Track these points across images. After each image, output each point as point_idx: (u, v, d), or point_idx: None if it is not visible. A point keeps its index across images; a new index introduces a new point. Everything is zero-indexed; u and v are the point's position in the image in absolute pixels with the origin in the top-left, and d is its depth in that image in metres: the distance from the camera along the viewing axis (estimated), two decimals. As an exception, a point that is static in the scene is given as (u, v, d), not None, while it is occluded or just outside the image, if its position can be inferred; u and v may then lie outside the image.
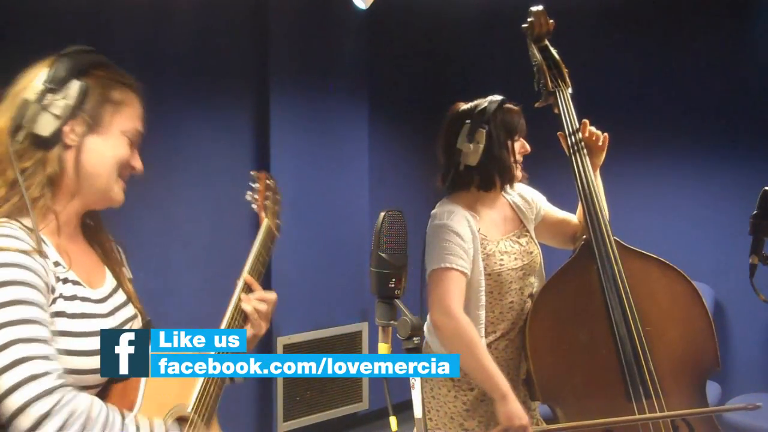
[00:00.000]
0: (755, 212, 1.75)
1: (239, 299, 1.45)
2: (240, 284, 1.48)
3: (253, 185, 1.72)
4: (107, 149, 1.27)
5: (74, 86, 1.23)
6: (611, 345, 2.00)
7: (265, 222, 1.65)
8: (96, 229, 1.37)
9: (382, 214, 1.50)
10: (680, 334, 2.06)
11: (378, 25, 4.08)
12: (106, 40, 3.09)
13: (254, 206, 1.70)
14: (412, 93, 4.54)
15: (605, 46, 3.95)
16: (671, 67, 3.77)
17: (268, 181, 1.73)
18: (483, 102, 2.08)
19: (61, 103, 1.22)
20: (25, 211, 1.19)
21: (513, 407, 1.91)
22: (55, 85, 1.22)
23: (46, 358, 1.08)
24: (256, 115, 3.74)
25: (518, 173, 2.14)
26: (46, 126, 1.21)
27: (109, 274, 1.35)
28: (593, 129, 2.15)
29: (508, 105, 2.10)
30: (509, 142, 2.08)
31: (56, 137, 1.22)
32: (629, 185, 3.83)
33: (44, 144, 1.21)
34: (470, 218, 2.05)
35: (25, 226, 1.18)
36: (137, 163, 1.34)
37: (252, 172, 1.74)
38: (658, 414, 1.94)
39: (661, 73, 3.81)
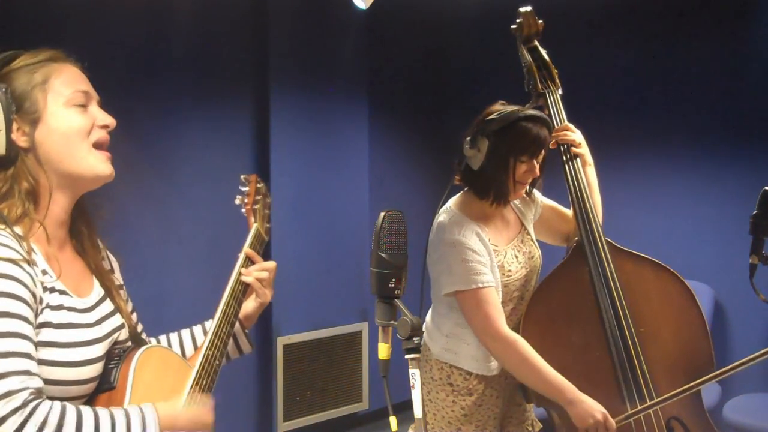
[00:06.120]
0: (755, 212, 1.75)
1: (239, 273, 1.53)
2: (240, 259, 1.55)
3: (243, 189, 1.70)
4: (59, 130, 1.23)
5: None
6: (604, 347, 1.99)
7: (254, 226, 1.64)
8: (88, 237, 1.35)
9: (382, 214, 1.51)
10: (674, 334, 2.05)
11: (378, 25, 4.09)
12: (106, 41, 3.09)
13: (243, 210, 1.68)
14: (412, 93, 4.54)
15: (606, 45, 3.95)
16: (672, 67, 3.77)
17: (258, 185, 1.71)
18: (505, 110, 1.99)
19: None
20: (15, 220, 1.18)
21: (581, 409, 1.90)
22: None
23: (25, 373, 1.07)
24: (256, 115, 3.74)
25: (516, 194, 2.07)
26: None
27: (96, 283, 1.33)
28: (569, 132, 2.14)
29: (526, 124, 1.97)
30: (511, 160, 1.98)
31: (12, 148, 1.20)
32: (630, 185, 3.83)
33: (7, 161, 1.20)
34: (479, 230, 2.01)
35: (17, 234, 1.16)
36: (104, 119, 1.29)
37: (242, 176, 1.71)
38: (667, 395, 1.89)
39: (662, 72, 3.81)
